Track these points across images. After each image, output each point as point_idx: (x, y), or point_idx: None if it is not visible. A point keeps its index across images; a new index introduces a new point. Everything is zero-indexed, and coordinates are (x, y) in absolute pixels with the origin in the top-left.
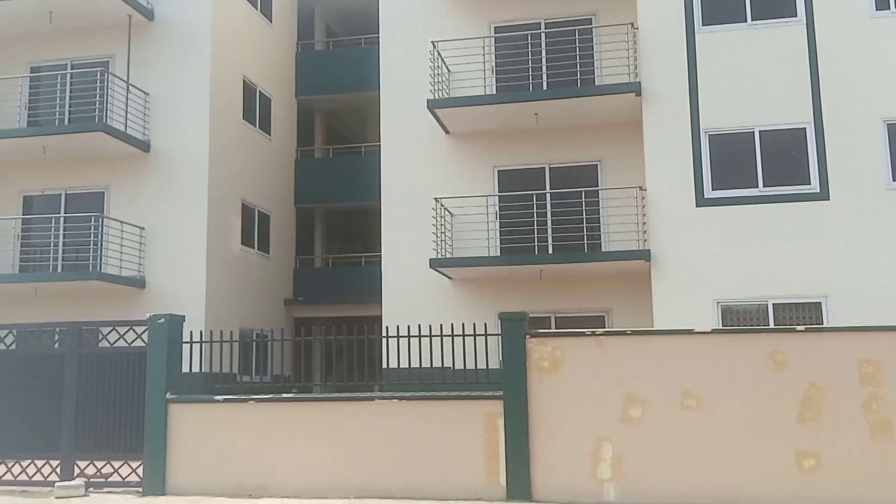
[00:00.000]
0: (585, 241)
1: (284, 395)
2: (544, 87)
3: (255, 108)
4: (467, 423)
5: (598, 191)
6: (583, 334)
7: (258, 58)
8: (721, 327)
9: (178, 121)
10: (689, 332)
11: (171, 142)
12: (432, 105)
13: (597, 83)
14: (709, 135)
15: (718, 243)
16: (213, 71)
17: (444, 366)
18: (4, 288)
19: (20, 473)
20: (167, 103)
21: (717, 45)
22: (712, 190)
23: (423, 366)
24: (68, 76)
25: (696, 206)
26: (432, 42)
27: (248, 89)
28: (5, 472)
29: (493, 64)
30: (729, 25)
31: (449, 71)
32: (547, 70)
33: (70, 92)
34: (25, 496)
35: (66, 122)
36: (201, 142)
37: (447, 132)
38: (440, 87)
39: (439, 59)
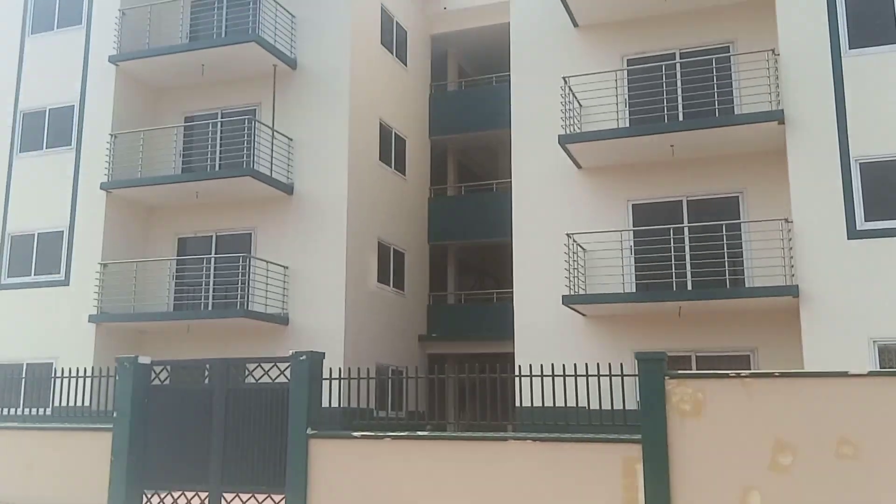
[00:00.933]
0: (727, 276)
1: (419, 433)
2: (680, 118)
3: (391, 149)
4: (604, 467)
5: (740, 224)
6: (727, 376)
7: (393, 100)
8: (879, 369)
9: (319, 164)
10: (844, 374)
11: (312, 184)
12: (564, 140)
13: (736, 112)
14: (860, 163)
15: (873, 278)
16: (351, 115)
17: (579, 405)
18: (161, 325)
19: (172, 503)
20: (309, 147)
21: (866, 68)
22: (865, 221)
23: (556, 405)
24: (219, 124)
25: (848, 239)
26: (563, 78)
27: (384, 131)
28: (158, 503)
29: (626, 96)
30: (879, 48)
31: (580, 105)
32: (683, 100)
33: (220, 139)
34: None
35: (216, 167)
36: (341, 184)
37: (579, 167)
38: (571, 122)
39: (570, 94)
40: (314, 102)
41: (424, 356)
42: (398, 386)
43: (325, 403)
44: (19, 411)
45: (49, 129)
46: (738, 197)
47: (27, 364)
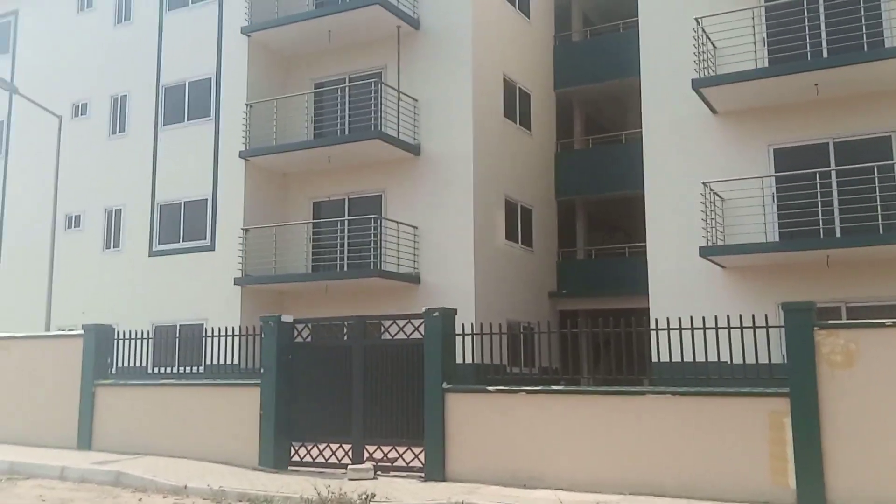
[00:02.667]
0: (880, 221)
1: (554, 388)
2: (824, 55)
3: (515, 104)
4: (749, 422)
5: (893, 165)
6: (882, 325)
7: (517, 55)
8: None
9: (445, 123)
10: None
11: (439, 144)
12: (698, 84)
13: (886, 45)
14: None
15: None
16: (475, 72)
17: (721, 360)
18: (300, 286)
19: (318, 455)
20: (434, 107)
21: None
22: None
23: (696, 359)
24: (346, 89)
25: None
26: (696, 19)
27: (509, 87)
28: (305, 455)
29: (765, 35)
30: None
31: (715, 47)
32: (826, 35)
33: (349, 103)
34: (323, 477)
35: (346, 131)
36: (466, 142)
37: (714, 112)
38: (706, 66)
39: (704, 36)
40: (438, 61)
41: (555, 313)
42: (530, 342)
43: (458, 359)
44: (175, 369)
45: (189, 102)
46: (890, 136)
47: (180, 325)
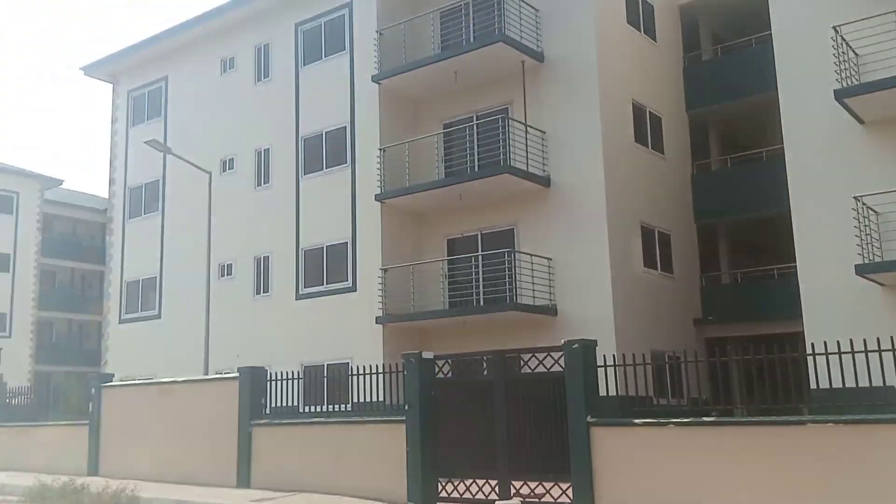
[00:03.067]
0: None
1: (705, 419)
2: None
3: (646, 128)
4: None
5: None
6: None
7: (645, 78)
8: None
9: (574, 153)
10: None
11: (569, 174)
12: (842, 95)
13: None
14: None
15: None
16: (602, 100)
17: (886, 384)
18: (439, 323)
19: (464, 491)
20: (563, 137)
21: None
22: None
23: (858, 385)
24: (474, 127)
25: None
26: (833, 27)
27: (638, 111)
28: (452, 490)
29: None
30: None
31: (856, 55)
32: None
33: (477, 140)
34: None
35: (475, 168)
36: (597, 170)
37: (861, 122)
38: (847, 75)
39: (844, 45)
40: (564, 92)
41: (701, 340)
42: (676, 372)
43: (601, 392)
44: (324, 408)
45: (326, 151)
46: None
47: (327, 364)
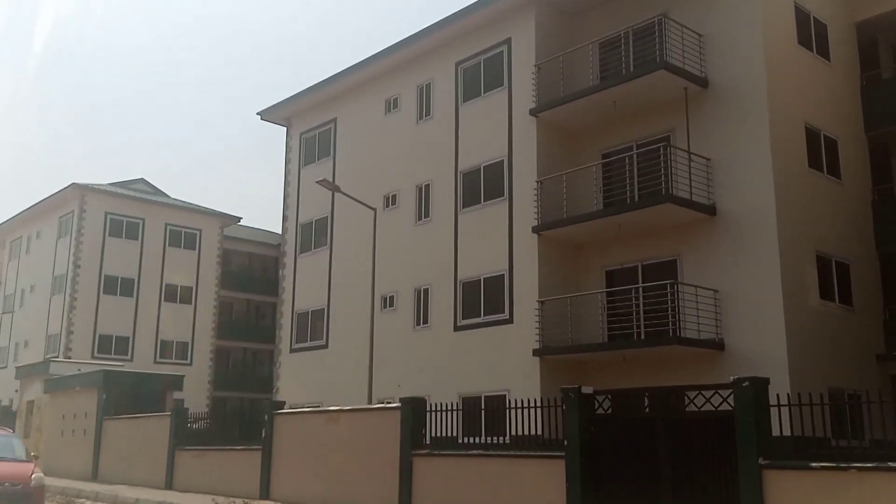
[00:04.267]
0: None
1: (891, 464)
2: None
3: (821, 152)
4: None
5: None
6: None
7: (818, 100)
8: None
9: (742, 180)
10: None
11: (736, 202)
12: None
13: None
14: None
15: None
16: (772, 124)
17: None
18: (597, 356)
19: None
20: (729, 164)
21: None
22: None
23: None
24: (634, 156)
25: None
26: None
27: (811, 135)
28: None
29: None
30: None
31: None
32: None
33: (637, 170)
34: None
35: (635, 198)
36: (767, 198)
37: None
38: None
39: None
40: (730, 117)
41: (886, 377)
42: (857, 411)
43: (773, 431)
44: (481, 439)
45: (484, 184)
46: None
47: (484, 396)
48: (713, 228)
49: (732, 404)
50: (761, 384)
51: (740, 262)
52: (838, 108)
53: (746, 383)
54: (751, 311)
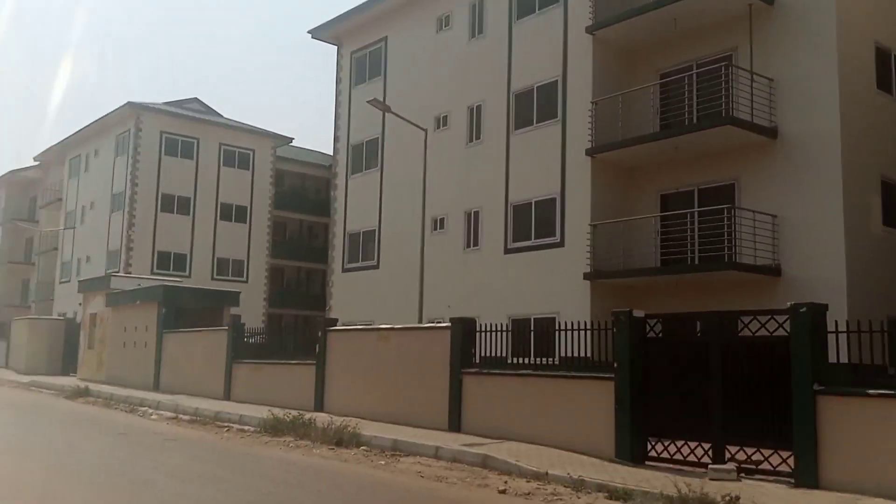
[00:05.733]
0: None
1: None
2: None
3: (890, 73)
4: None
5: None
6: None
7: (890, 18)
8: None
9: (806, 102)
10: None
11: (798, 125)
12: None
13: None
14: None
15: None
16: (839, 43)
17: None
18: (648, 281)
19: (675, 452)
20: (792, 86)
21: None
22: None
23: None
24: (694, 76)
25: None
26: None
27: (882, 55)
28: (662, 451)
29: None
30: None
31: None
32: None
33: (696, 91)
34: (681, 474)
35: (693, 120)
36: (831, 120)
37: None
38: None
39: None
40: (796, 36)
41: None
42: None
43: (831, 359)
44: (530, 360)
45: (537, 105)
46: None
47: (534, 318)
48: (774, 152)
49: (788, 330)
50: (819, 310)
51: (801, 187)
52: None
53: (804, 309)
54: (810, 237)
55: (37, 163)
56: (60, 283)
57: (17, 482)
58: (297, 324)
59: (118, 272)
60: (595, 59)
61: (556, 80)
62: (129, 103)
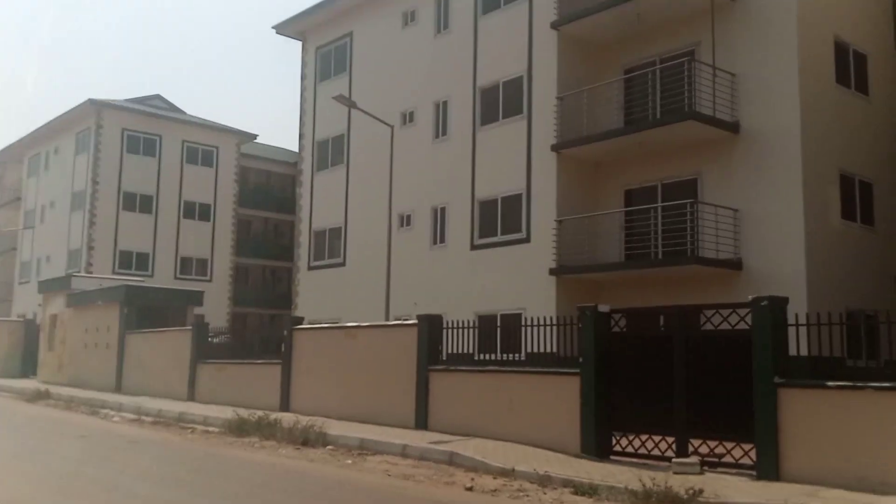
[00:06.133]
0: None
1: None
2: None
3: (849, 68)
4: None
5: None
6: None
7: (849, 12)
8: None
9: (767, 96)
10: None
11: (759, 120)
12: None
13: None
14: None
15: None
16: (800, 37)
17: None
18: (614, 276)
19: (640, 447)
20: (754, 81)
21: None
22: None
23: None
24: (657, 71)
25: None
26: None
27: (840, 50)
28: (626, 445)
29: None
30: None
31: None
32: None
33: (660, 86)
34: (646, 468)
35: (657, 115)
36: (791, 114)
37: None
38: None
39: None
40: (757, 30)
41: None
42: (873, 332)
43: (790, 352)
44: (497, 356)
45: (503, 101)
46: None
47: (500, 314)
48: (735, 146)
49: (750, 323)
50: (780, 303)
51: (762, 181)
52: (869, 22)
53: (765, 302)
54: (771, 230)
55: None
56: (20, 283)
57: None
58: (262, 323)
59: (79, 272)
60: (560, 54)
61: (522, 76)
62: (89, 100)
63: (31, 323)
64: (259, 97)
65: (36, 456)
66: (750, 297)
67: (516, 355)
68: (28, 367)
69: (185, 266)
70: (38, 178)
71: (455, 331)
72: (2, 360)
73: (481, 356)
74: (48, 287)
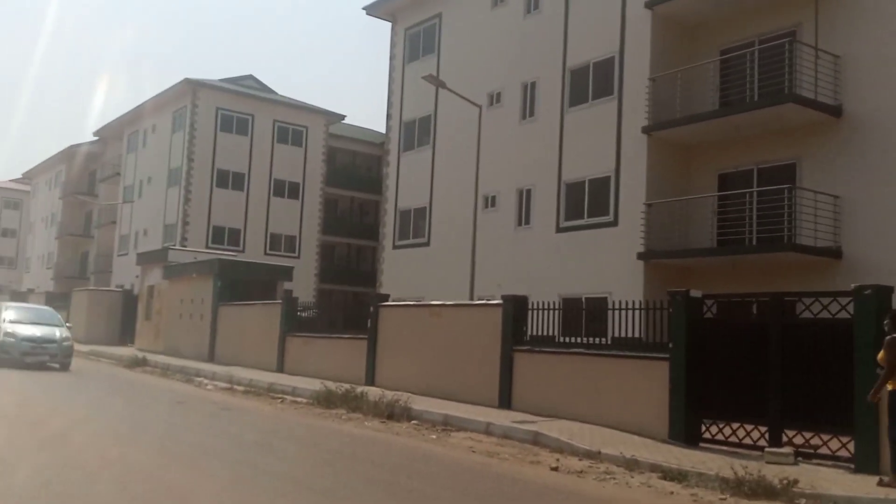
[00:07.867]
0: None
1: None
2: None
3: None
4: None
5: None
6: None
7: None
8: None
9: (875, 79)
10: None
11: (864, 104)
12: None
13: None
14: None
15: None
16: None
17: None
18: (704, 262)
19: (730, 435)
20: (861, 63)
21: None
22: None
23: None
24: (756, 53)
25: None
26: None
27: None
28: (717, 433)
29: None
30: None
31: None
32: None
33: (758, 68)
34: (736, 457)
35: (755, 98)
36: None
37: None
38: None
39: None
40: (866, 9)
41: None
42: None
43: None
44: (581, 339)
45: (593, 82)
46: None
47: (585, 297)
48: (837, 131)
49: (852, 313)
50: (885, 292)
51: (866, 167)
52: None
53: (869, 291)
54: (874, 218)
55: (96, 138)
56: (118, 255)
57: (80, 446)
58: (346, 300)
59: (175, 245)
60: (654, 34)
61: (614, 56)
62: (185, 80)
63: (129, 293)
64: (347, 78)
65: (135, 418)
66: (853, 286)
67: (601, 339)
68: (126, 335)
69: (275, 242)
70: (137, 155)
71: (539, 312)
72: (102, 328)
73: (565, 339)
74: (146, 259)
